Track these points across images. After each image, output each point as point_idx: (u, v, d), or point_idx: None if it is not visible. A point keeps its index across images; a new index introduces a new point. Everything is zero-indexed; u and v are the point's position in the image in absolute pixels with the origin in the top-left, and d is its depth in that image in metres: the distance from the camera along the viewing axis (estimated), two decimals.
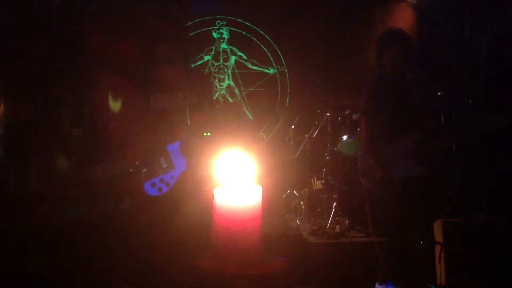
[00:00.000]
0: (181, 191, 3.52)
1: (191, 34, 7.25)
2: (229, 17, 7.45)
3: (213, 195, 1.97)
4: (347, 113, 5.90)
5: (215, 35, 7.45)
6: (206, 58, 7.44)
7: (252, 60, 7.48)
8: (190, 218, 3.53)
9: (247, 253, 1.95)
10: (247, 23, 7.47)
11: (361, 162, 4.19)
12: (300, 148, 6.39)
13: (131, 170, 3.58)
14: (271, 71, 7.53)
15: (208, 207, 2.77)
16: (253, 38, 7.47)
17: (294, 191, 6.36)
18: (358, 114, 4.25)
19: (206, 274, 1.98)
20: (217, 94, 7.42)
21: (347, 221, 5.43)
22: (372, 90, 4.15)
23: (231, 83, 7.47)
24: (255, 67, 7.50)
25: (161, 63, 3.70)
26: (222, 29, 7.46)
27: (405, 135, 4.07)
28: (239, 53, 7.48)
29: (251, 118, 7.37)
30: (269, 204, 6.55)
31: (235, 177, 2.01)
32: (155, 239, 3.68)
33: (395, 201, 4.06)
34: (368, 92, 4.17)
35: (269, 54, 7.51)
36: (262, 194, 2.03)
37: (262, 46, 7.49)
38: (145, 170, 3.51)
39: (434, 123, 4.51)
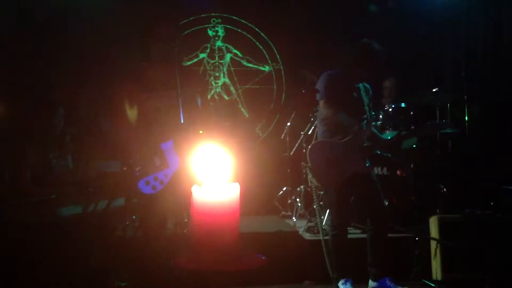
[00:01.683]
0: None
1: (186, 32, 7.25)
2: (224, 15, 7.45)
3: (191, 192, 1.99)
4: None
5: (210, 33, 7.44)
6: (202, 56, 7.44)
7: (247, 57, 7.48)
8: (168, 215, 3.56)
9: (224, 250, 1.96)
10: (243, 21, 7.46)
11: (309, 156, 4.27)
12: (296, 146, 6.39)
13: (125, 168, 3.59)
14: (267, 68, 7.52)
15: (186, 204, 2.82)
16: (248, 35, 7.47)
17: (290, 188, 6.38)
18: (320, 100, 4.38)
19: (184, 271, 1.99)
20: (213, 91, 7.41)
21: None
22: (333, 82, 4.36)
23: (227, 80, 7.46)
24: (250, 65, 7.50)
25: (155, 62, 3.71)
26: (217, 26, 7.46)
27: (355, 132, 4.28)
28: (235, 51, 7.48)
29: (246, 115, 7.37)
30: (266, 202, 6.58)
31: (212, 174, 2.02)
32: (132, 236, 3.70)
33: (341, 195, 4.29)
34: (329, 82, 4.37)
35: (264, 51, 7.51)
36: (241, 191, 2.05)
37: (257, 43, 7.49)
38: (139, 168, 3.51)
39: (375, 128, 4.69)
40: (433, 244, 4.73)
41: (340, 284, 4.23)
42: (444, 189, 5.59)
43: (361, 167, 4.26)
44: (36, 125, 4.54)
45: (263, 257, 2.16)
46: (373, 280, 4.27)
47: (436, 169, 5.69)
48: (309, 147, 4.29)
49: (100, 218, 4.00)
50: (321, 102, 4.35)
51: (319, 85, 4.41)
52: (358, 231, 5.30)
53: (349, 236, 5.13)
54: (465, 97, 5.70)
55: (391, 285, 4.22)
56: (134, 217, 4.61)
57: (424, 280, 4.68)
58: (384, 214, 4.37)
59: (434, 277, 4.69)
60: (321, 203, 5.80)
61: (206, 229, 1.94)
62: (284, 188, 6.48)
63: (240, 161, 6.31)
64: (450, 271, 4.64)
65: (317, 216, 4.54)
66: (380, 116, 5.83)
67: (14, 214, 4.01)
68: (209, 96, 7.36)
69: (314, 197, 4.54)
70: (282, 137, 6.63)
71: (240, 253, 2.03)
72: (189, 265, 1.96)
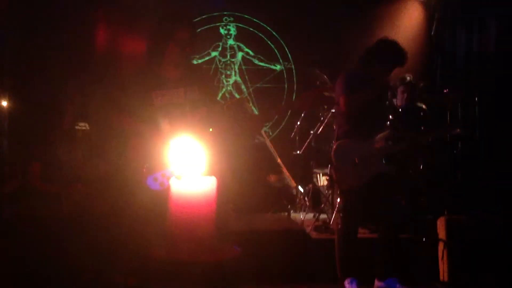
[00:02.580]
0: None
1: (199, 30, 7.27)
2: (236, 13, 7.47)
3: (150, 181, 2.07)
4: None
5: (222, 31, 7.47)
6: (213, 54, 7.46)
7: (259, 56, 7.49)
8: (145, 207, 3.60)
9: (200, 242, 2.02)
10: (255, 19, 7.48)
11: (336, 155, 4.26)
12: (305, 144, 6.40)
13: (133, 164, 3.61)
14: (278, 67, 7.53)
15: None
16: (260, 34, 7.48)
17: (299, 187, 6.38)
18: (339, 98, 4.31)
19: (160, 262, 2.04)
20: (224, 90, 7.44)
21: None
22: (353, 82, 4.28)
23: (238, 79, 7.48)
24: (262, 64, 7.51)
25: (167, 61, 3.71)
26: (229, 25, 7.48)
27: (377, 133, 4.24)
28: (246, 49, 7.49)
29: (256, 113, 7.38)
30: (275, 200, 6.59)
31: (188, 166, 2.08)
32: (110, 226, 3.75)
33: (359, 195, 4.21)
34: (348, 81, 4.29)
35: (276, 50, 7.52)
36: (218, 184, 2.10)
37: (269, 42, 7.50)
38: (147, 165, 3.53)
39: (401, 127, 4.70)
40: (440, 245, 4.71)
41: (346, 283, 4.22)
42: (452, 190, 5.56)
43: (385, 167, 4.25)
44: (46, 120, 4.58)
45: (238, 249, 2.22)
46: (380, 280, 4.26)
47: (444, 169, 5.66)
48: (334, 146, 4.27)
49: (108, 214, 4.03)
50: (341, 100, 4.29)
51: (338, 85, 4.35)
52: (364, 230, 5.30)
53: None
54: (476, 98, 5.67)
55: (398, 286, 4.21)
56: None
57: (432, 281, 4.67)
58: (400, 216, 4.34)
59: (441, 278, 4.67)
60: (329, 202, 5.82)
61: (183, 220, 2.00)
62: (293, 187, 6.48)
63: (248, 159, 6.36)
64: (457, 273, 4.61)
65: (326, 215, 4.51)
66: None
67: (25, 209, 4.07)
68: (219, 95, 7.38)
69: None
70: (292, 136, 6.63)
71: (216, 244, 2.09)
72: (166, 256, 2.03)
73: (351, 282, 4.21)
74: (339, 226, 4.38)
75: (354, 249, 4.30)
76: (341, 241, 4.31)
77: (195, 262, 1.98)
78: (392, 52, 4.27)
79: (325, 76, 6.09)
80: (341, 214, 4.46)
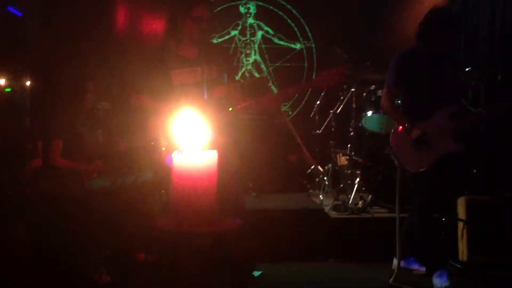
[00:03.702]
0: None
1: (218, 8, 7.25)
2: None
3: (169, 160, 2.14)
4: (372, 88, 5.85)
5: (242, 9, 7.43)
6: (233, 33, 7.44)
7: (278, 35, 7.45)
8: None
9: (202, 213, 2.08)
10: None
11: (393, 142, 4.15)
12: (325, 124, 6.38)
13: (152, 143, 3.65)
14: (298, 46, 7.49)
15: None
16: (280, 12, 7.42)
17: (319, 167, 6.37)
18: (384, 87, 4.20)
19: (163, 233, 2.13)
20: (244, 69, 7.42)
21: (370, 196, 5.42)
22: (403, 64, 4.11)
23: (258, 58, 7.46)
24: (281, 42, 7.47)
25: (185, 40, 3.73)
26: (249, 3, 7.43)
27: (438, 110, 4.04)
28: (266, 28, 7.45)
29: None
30: (294, 179, 6.60)
31: (192, 140, 2.15)
32: (113, 201, 3.81)
33: (427, 180, 4.00)
34: (398, 65, 4.13)
35: (296, 29, 7.46)
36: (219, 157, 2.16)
37: (289, 20, 7.44)
38: (166, 143, 3.56)
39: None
40: (460, 225, 4.69)
41: (435, 277, 4.04)
42: (474, 170, 5.51)
43: (453, 145, 4.02)
44: (68, 99, 4.64)
45: (239, 221, 2.30)
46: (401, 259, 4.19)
47: (466, 149, 5.59)
48: (392, 131, 4.11)
49: (128, 192, 4.09)
50: (384, 90, 4.18)
51: (389, 68, 4.17)
52: (383, 210, 5.30)
53: (375, 215, 5.17)
54: (499, 77, 5.58)
55: (416, 265, 4.20)
56: (163, 191, 4.69)
57: (450, 261, 4.66)
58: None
59: (460, 258, 4.66)
60: (349, 182, 5.82)
61: (185, 193, 2.06)
62: (312, 167, 6.47)
63: (268, 138, 6.36)
64: (476, 253, 4.60)
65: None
66: None
67: (46, 186, 4.14)
68: (239, 74, 7.38)
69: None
70: (311, 115, 6.62)
71: (217, 216, 2.15)
72: (168, 227, 2.10)
73: (440, 275, 4.03)
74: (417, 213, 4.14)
75: (436, 238, 4.14)
76: (422, 231, 4.11)
77: (195, 233, 2.06)
78: (445, 18, 4.02)
79: (346, 55, 6.05)
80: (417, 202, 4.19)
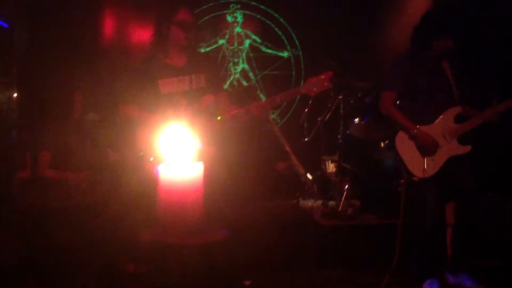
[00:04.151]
0: None
1: (205, 18, 7.27)
2: (243, 1, 7.45)
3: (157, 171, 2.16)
4: (359, 96, 5.89)
5: (229, 18, 7.46)
6: (221, 42, 7.46)
7: (266, 43, 7.48)
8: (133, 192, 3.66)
9: (189, 225, 2.10)
10: (261, 6, 7.46)
11: (399, 146, 4.10)
12: (313, 131, 6.41)
13: (141, 153, 3.64)
14: (285, 54, 7.52)
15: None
16: (267, 21, 7.46)
17: (308, 174, 6.39)
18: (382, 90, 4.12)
19: (150, 245, 2.14)
20: (232, 78, 7.44)
21: (359, 203, 5.45)
22: (403, 67, 4.02)
23: (246, 66, 7.48)
24: (269, 51, 7.50)
25: (172, 48, 3.73)
26: (236, 12, 7.46)
27: (442, 113, 3.97)
28: (253, 37, 7.48)
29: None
30: (283, 186, 6.61)
31: (178, 152, 2.17)
32: (99, 212, 3.80)
33: (437, 184, 3.94)
34: (397, 68, 4.06)
35: (283, 37, 7.50)
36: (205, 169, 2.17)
37: (276, 29, 7.48)
38: (154, 154, 3.56)
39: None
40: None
41: (426, 285, 3.95)
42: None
43: (458, 148, 3.95)
44: (56, 110, 4.62)
45: (225, 232, 2.29)
46: (452, 275, 4.06)
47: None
48: (396, 136, 4.01)
49: (117, 203, 4.07)
50: (383, 94, 4.08)
51: (388, 72, 4.13)
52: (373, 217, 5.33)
53: (364, 222, 5.18)
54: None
55: (471, 282, 4.01)
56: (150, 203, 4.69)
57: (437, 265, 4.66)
58: (477, 203, 4.01)
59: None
60: (338, 189, 5.84)
61: (172, 205, 2.09)
62: (301, 174, 6.48)
63: (256, 145, 6.36)
64: (461, 256, 4.60)
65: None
66: None
67: (35, 197, 4.12)
68: (227, 82, 7.39)
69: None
70: (300, 122, 6.64)
71: (204, 227, 2.17)
72: (156, 239, 2.11)
73: (431, 284, 3.94)
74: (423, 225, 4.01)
75: (439, 249, 4.05)
76: (425, 242, 3.99)
77: (183, 245, 2.07)
78: (441, 23, 3.96)
79: (333, 62, 6.08)
80: (414, 210, 4.09)
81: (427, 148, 3.91)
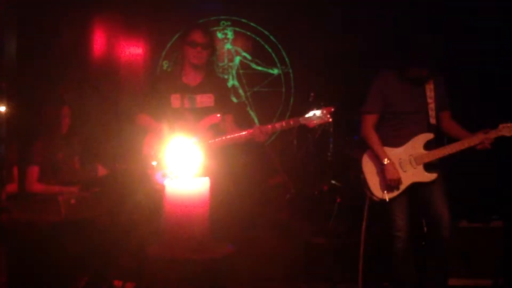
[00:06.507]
0: None
1: None
2: (233, 18, 7.46)
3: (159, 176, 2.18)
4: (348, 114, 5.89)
5: (219, 35, 7.46)
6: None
7: (256, 60, 7.48)
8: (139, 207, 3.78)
9: (195, 240, 2.10)
10: (252, 23, 7.47)
11: (364, 166, 4.12)
12: (304, 150, 6.39)
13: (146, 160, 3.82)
14: (275, 71, 7.52)
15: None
16: (257, 38, 7.47)
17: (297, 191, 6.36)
18: (361, 113, 4.19)
19: (156, 260, 2.13)
20: None
21: (350, 222, 5.41)
22: (381, 89, 4.07)
23: (236, 83, 7.47)
24: (259, 68, 7.50)
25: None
26: (227, 29, 7.47)
27: (412, 138, 4.00)
28: (244, 54, 7.48)
29: (255, 119, 7.36)
30: (273, 204, 6.56)
31: (184, 167, 2.19)
32: (105, 227, 3.85)
33: (396, 207, 4.01)
34: (376, 90, 4.10)
35: (273, 54, 7.50)
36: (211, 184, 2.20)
37: (266, 46, 7.49)
38: (155, 163, 3.75)
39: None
40: None
41: None
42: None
43: (423, 175, 3.95)
44: (44, 124, 4.59)
45: (231, 247, 2.30)
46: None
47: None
48: (364, 154, 4.09)
49: (108, 219, 4.05)
50: (363, 117, 4.15)
51: (368, 93, 4.15)
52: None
53: (355, 240, 5.13)
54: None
55: None
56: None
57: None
58: (449, 221, 3.95)
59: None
60: (329, 207, 5.80)
61: (178, 219, 2.10)
62: (291, 191, 6.45)
63: (247, 163, 6.33)
64: (458, 277, 4.60)
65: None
66: None
67: (21, 212, 4.05)
68: None
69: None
70: (290, 140, 6.61)
71: (210, 242, 2.18)
72: (161, 254, 2.12)
73: None
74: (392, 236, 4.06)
75: (408, 261, 4.07)
76: (395, 252, 4.04)
77: (189, 260, 2.07)
78: (427, 49, 3.89)
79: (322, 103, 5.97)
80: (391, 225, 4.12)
81: (390, 182, 3.92)
